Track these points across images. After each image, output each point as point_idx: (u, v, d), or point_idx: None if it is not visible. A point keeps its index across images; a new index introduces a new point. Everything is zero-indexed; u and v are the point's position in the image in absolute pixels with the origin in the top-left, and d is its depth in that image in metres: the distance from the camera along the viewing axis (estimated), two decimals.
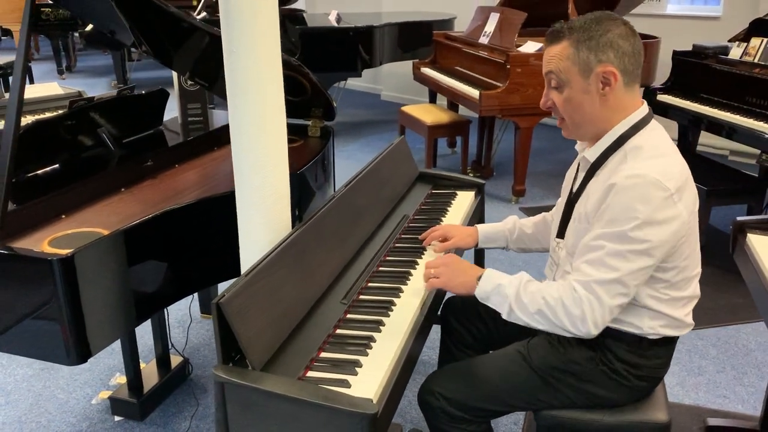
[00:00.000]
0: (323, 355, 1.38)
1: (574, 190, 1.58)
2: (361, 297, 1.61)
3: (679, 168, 1.40)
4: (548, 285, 1.45)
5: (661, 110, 4.07)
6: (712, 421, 2.27)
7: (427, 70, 5.11)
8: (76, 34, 8.94)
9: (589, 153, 1.53)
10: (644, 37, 4.66)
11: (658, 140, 1.45)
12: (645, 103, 1.50)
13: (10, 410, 2.39)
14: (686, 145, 4.17)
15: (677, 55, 4.10)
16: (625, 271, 1.36)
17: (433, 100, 5.56)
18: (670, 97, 4.02)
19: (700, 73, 3.90)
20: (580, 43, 1.43)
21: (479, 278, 1.51)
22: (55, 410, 2.39)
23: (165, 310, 2.48)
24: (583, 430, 1.57)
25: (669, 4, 5.69)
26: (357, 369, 1.32)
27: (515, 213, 4.04)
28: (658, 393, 1.60)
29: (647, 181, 1.35)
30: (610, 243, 1.38)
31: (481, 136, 4.93)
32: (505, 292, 1.46)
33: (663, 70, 4.31)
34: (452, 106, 5.27)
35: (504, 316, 1.48)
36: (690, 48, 4.10)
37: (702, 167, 3.65)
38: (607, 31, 1.42)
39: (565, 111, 1.50)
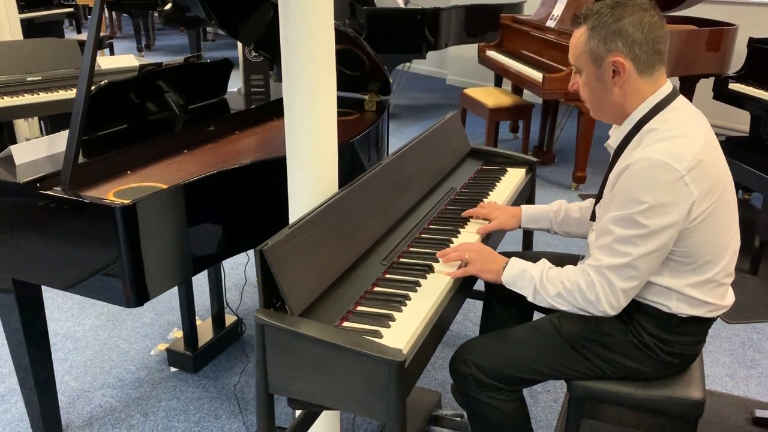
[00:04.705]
0: (359, 308, 1.44)
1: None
2: (401, 260, 1.67)
3: (697, 149, 1.36)
4: (567, 269, 1.50)
5: (733, 100, 3.93)
6: (760, 413, 2.21)
7: (493, 53, 5.09)
8: (156, 14, 9.30)
9: (612, 140, 1.56)
10: (720, 24, 4.49)
11: (677, 120, 1.42)
12: (668, 82, 1.48)
13: (77, 355, 2.58)
14: (758, 136, 4.01)
15: (753, 43, 3.93)
16: (635, 255, 1.38)
17: (498, 84, 5.53)
18: (743, 86, 3.87)
19: None
20: (593, 30, 1.44)
21: (505, 266, 1.57)
22: (118, 358, 2.56)
23: (222, 271, 2.61)
24: (615, 402, 1.58)
25: None
26: (390, 322, 1.38)
27: (575, 200, 4.00)
28: (694, 370, 1.59)
29: (654, 164, 1.34)
30: (618, 228, 1.40)
31: (544, 121, 4.88)
32: (531, 274, 1.53)
33: (741, 59, 4.15)
34: (517, 91, 5.23)
35: (529, 299, 1.54)
36: None
37: None
38: (619, 19, 1.42)
39: (583, 95, 1.53)
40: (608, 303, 1.43)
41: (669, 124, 1.42)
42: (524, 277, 1.54)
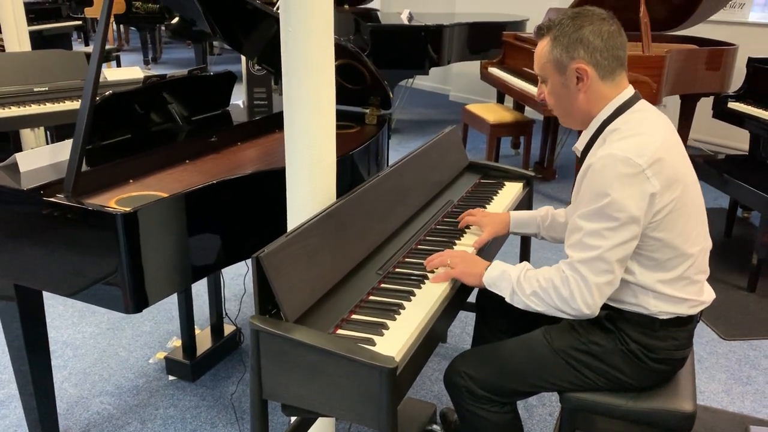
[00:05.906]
0: (354, 317, 1.46)
1: None
2: (397, 270, 1.69)
3: (657, 145, 1.42)
4: (543, 269, 1.53)
5: (733, 119, 3.96)
6: (755, 429, 2.22)
7: (495, 70, 5.14)
8: (163, 27, 9.41)
9: (578, 143, 1.61)
10: (720, 44, 4.53)
11: (638, 121, 1.48)
12: (630, 86, 1.54)
13: (77, 362, 2.59)
14: (757, 154, 4.03)
15: (752, 62, 3.97)
16: (605, 247, 1.42)
17: (501, 101, 5.57)
18: (742, 105, 3.90)
19: None
20: (556, 40, 1.51)
21: (487, 268, 1.60)
22: (117, 366, 2.58)
23: (221, 281, 2.63)
24: (606, 413, 1.59)
25: (752, 11, 5.49)
26: (383, 330, 1.40)
27: None
28: (685, 382, 1.60)
29: (616, 159, 1.39)
30: (586, 222, 1.44)
31: (545, 137, 4.91)
32: (510, 275, 1.55)
33: (740, 78, 4.18)
34: (518, 107, 5.27)
35: (507, 299, 1.56)
36: None
37: None
38: (580, 28, 1.48)
39: (550, 102, 1.59)
40: (583, 300, 1.44)
41: (630, 124, 1.48)
42: (503, 278, 1.57)
